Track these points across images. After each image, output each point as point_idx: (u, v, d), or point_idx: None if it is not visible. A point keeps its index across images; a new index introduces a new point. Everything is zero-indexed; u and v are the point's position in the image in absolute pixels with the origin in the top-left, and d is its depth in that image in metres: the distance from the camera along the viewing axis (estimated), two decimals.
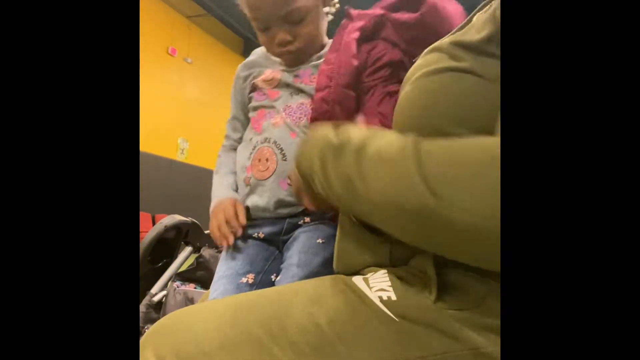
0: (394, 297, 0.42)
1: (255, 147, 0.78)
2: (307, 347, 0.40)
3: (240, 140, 0.85)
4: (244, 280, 0.73)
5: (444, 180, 0.33)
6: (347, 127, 0.44)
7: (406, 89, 0.46)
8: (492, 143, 0.32)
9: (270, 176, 0.75)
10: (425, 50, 0.47)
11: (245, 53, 6.23)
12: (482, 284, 0.40)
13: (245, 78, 0.84)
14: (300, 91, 0.77)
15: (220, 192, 0.82)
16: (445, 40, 0.44)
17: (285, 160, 0.74)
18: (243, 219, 0.76)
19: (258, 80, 0.81)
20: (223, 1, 5.12)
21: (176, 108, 5.29)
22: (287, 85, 0.78)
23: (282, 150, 0.75)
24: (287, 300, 0.45)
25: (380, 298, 0.42)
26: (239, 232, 0.75)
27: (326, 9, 0.76)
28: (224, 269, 0.76)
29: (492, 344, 0.38)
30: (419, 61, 0.46)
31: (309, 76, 0.77)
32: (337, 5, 0.77)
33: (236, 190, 0.82)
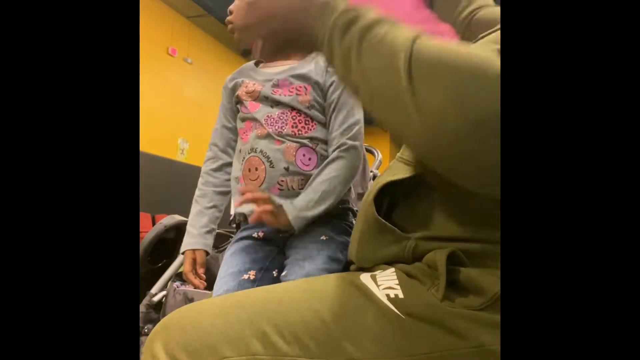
0: (401, 295, 0.42)
1: (244, 157, 0.81)
2: (312, 342, 0.40)
3: (225, 149, 0.89)
4: (246, 277, 0.76)
5: (422, 71, 0.35)
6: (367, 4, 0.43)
7: None
8: (475, 54, 0.34)
9: (261, 184, 0.78)
10: None
11: (245, 53, 6.21)
12: (494, 283, 0.40)
13: (232, 89, 0.87)
14: (278, 103, 0.80)
15: (189, 239, 0.86)
16: None
17: (272, 167, 0.77)
18: (202, 276, 0.83)
19: (241, 93, 0.85)
20: (223, 1, 5.12)
21: (176, 108, 5.28)
22: (266, 98, 0.81)
23: (268, 158, 0.78)
24: (293, 296, 0.46)
25: (388, 296, 0.42)
26: (201, 286, 0.82)
27: None
28: (226, 267, 0.79)
29: (498, 342, 0.38)
30: None
31: (288, 86, 0.80)
32: None
33: (210, 228, 0.87)
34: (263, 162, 0.78)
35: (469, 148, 0.33)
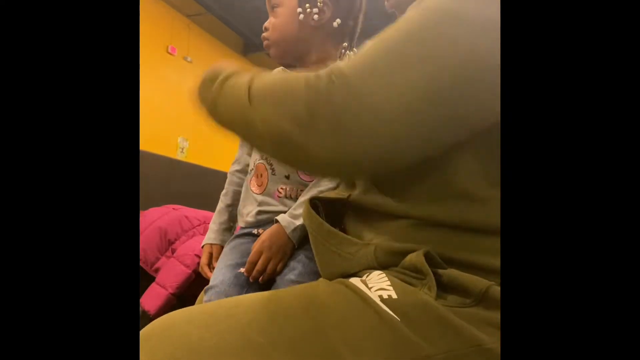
0: (394, 296, 0.42)
1: (254, 163, 0.87)
2: (310, 353, 0.39)
3: (250, 152, 0.95)
4: (242, 269, 0.79)
5: (259, 94, 0.47)
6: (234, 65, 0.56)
7: None
8: (292, 77, 0.47)
9: (264, 191, 0.83)
10: None
11: (245, 52, 6.21)
12: (478, 280, 0.40)
13: None
14: None
15: (210, 234, 0.94)
16: None
17: (274, 174, 0.82)
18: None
19: None
20: (223, 0, 5.10)
21: (176, 107, 5.28)
22: None
23: (271, 165, 0.82)
24: (287, 304, 0.45)
25: (381, 297, 0.42)
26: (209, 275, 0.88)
27: (299, 10, 0.81)
28: (225, 260, 0.83)
29: (495, 340, 0.38)
30: None
31: None
32: (316, 17, 0.81)
33: (229, 226, 0.95)
34: (267, 169, 0.82)
35: (298, 142, 0.43)
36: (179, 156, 5.45)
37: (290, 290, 0.49)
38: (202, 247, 0.94)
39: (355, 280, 0.46)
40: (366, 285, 0.44)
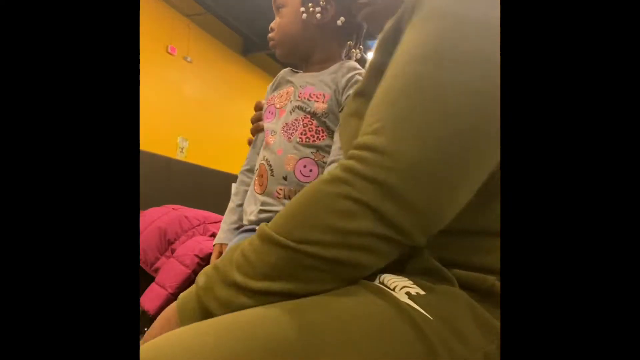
0: (422, 292, 0.40)
1: (258, 164, 0.88)
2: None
3: (259, 152, 0.95)
4: None
5: (288, 223, 0.41)
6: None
7: None
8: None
9: (265, 191, 0.84)
10: None
11: (245, 52, 6.21)
12: (484, 277, 0.40)
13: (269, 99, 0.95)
14: (298, 108, 0.85)
15: (220, 234, 0.95)
16: None
17: (273, 175, 0.83)
18: None
19: (275, 96, 0.93)
20: (223, 0, 5.10)
21: (176, 107, 5.28)
22: (290, 102, 0.88)
23: (271, 166, 0.83)
24: (312, 318, 0.38)
25: (409, 294, 0.39)
26: None
27: (302, 9, 0.82)
28: None
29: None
30: None
31: (309, 94, 0.84)
32: (319, 15, 0.82)
33: (238, 225, 0.95)
34: (267, 170, 0.83)
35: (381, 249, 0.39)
36: (179, 156, 5.44)
37: (303, 302, 0.41)
38: (214, 245, 0.94)
39: (373, 283, 0.42)
40: (387, 285, 0.41)
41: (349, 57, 0.93)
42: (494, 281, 0.41)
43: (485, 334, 0.37)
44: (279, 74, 0.97)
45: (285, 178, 0.82)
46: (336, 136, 0.81)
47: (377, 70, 0.49)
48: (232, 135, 5.34)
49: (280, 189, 0.83)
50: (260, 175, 0.86)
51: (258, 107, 0.98)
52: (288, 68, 0.97)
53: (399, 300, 0.39)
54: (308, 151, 0.82)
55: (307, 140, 0.83)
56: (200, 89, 5.69)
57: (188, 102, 5.50)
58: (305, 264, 0.38)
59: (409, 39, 0.42)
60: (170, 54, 5.24)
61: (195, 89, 5.62)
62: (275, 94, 0.94)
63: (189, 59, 5.47)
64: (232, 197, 0.99)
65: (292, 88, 0.90)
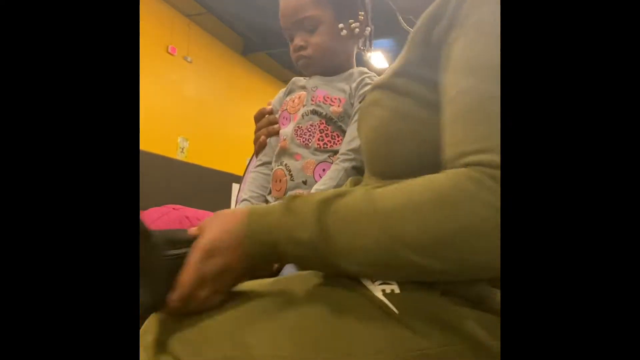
0: (397, 290, 0.42)
1: (273, 169, 0.90)
2: (311, 337, 0.40)
3: (267, 152, 0.95)
4: None
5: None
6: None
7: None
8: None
9: (283, 195, 0.84)
10: None
11: (245, 52, 6.21)
12: (474, 281, 0.41)
13: (282, 104, 0.95)
14: (312, 112, 0.86)
15: (245, 195, 0.94)
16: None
17: (292, 180, 0.84)
18: None
19: (288, 102, 0.93)
20: (223, 0, 5.11)
21: (176, 107, 5.28)
22: (304, 106, 0.88)
23: (290, 171, 0.85)
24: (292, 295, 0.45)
25: (384, 291, 0.42)
26: None
27: (340, 25, 0.83)
28: None
29: (492, 338, 0.38)
30: None
31: (323, 97, 0.84)
32: (357, 30, 0.84)
33: None
34: (285, 174, 0.85)
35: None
36: (179, 156, 5.45)
37: (294, 277, 0.50)
38: (241, 202, 0.94)
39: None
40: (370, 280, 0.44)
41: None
42: (485, 285, 0.41)
43: (447, 333, 0.39)
44: (291, 81, 0.98)
45: (305, 182, 0.85)
46: (349, 130, 0.82)
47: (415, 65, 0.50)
48: (232, 135, 5.34)
49: (300, 193, 0.86)
50: (278, 180, 0.87)
51: (262, 114, 0.97)
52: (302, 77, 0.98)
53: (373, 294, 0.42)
54: (326, 156, 0.84)
55: (325, 145, 0.85)
56: (200, 89, 5.69)
57: (188, 102, 5.50)
58: (410, 272, 0.40)
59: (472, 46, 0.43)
60: (170, 54, 5.25)
61: (195, 89, 5.62)
62: (288, 99, 0.95)
63: (189, 59, 5.47)
64: (240, 192, 0.99)
65: (305, 93, 0.90)
